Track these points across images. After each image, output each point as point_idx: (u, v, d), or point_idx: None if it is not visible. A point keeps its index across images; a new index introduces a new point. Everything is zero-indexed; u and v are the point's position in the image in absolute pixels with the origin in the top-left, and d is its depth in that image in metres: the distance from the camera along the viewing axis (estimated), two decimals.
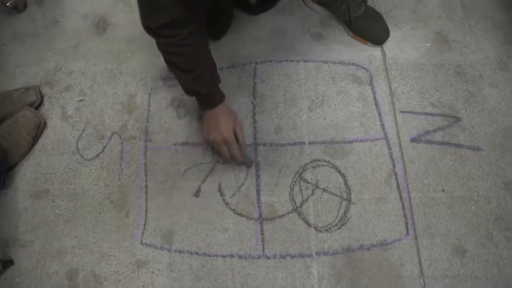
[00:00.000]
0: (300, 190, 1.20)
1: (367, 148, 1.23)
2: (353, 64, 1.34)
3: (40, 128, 1.33)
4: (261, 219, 1.19)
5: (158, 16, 0.95)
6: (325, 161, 1.23)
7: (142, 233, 1.20)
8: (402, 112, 1.27)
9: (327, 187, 1.20)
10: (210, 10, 1.18)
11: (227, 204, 1.21)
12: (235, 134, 1.17)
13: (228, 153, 1.18)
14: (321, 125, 1.27)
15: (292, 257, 1.14)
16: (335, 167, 1.22)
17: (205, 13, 1.09)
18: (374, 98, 1.30)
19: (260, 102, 1.31)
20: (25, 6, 1.54)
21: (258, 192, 1.21)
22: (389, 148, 1.23)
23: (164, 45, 1.06)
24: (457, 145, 1.22)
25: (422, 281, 1.10)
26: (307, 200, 1.19)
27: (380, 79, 1.32)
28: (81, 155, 1.31)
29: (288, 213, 1.19)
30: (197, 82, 1.11)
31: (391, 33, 1.36)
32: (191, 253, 1.17)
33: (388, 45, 1.36)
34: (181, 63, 1.07)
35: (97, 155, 1.30)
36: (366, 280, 1.11)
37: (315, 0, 1.39)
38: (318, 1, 1.39)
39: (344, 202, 1.19)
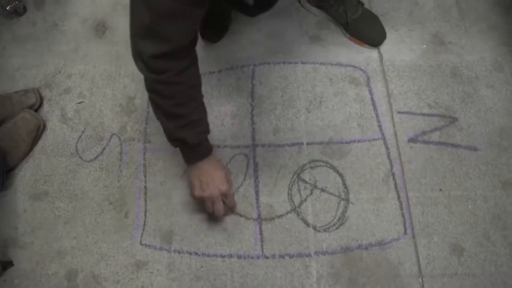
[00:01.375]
0: (299, 190, 1.21)
1: (364, 149, 1.24)
2: (350, 65, 1.36)
3: (39, 130, 1.34)
4: (260, 219, 1.19)
5: (155, 43, 0.85)
6: (323, 161, 1.24)
7: (142, 234, 1.21)
8: (399, 112, 1.28)
9: (325, 187, 1.21)
10: (209, 13, 1.19)
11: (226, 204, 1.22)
12: None
13: (223, 209, 1.11)
14: (319, 126, 1.28)
15: (291, 256, 1.15)
16: (333, 167, 1.23)
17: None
18: (372, 99, 1.31)
19: (258, 104, 1.32)
20: (24, 9, 1.55)
21: (256, 193, 1.22)
22: (387, 148, 1.24)
23: (154, 82, 0.93)
24: (454, 145, 1.23)
25: (420, 280, 1.10)
26: (305, 200, 1.20)
27: (377, 80, 1.33)
28: (80, 157, 1.32)
29: (287, 213, 1.19)
30: (188, 129, 1.00)
31: (387, 35, 1.37)
32: (190, 254, 1.17)
33: (385, 46, 1.37)
34: (171, 107, 0.96)
35: (97, 157, 1.31)
36: (364, 279, 1.11)
37: (313, 2, 1.41)
38: (315, 3, 1.40)
39: (342, 202, 1.19)
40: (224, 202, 1.10)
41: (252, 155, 1.26)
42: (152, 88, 0.96)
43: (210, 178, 1.06)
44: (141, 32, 0.86)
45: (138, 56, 0.89)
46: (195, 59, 0.99)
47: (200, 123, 1.04)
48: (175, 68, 0.91)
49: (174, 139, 1.05)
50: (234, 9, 1.31)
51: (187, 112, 0.99)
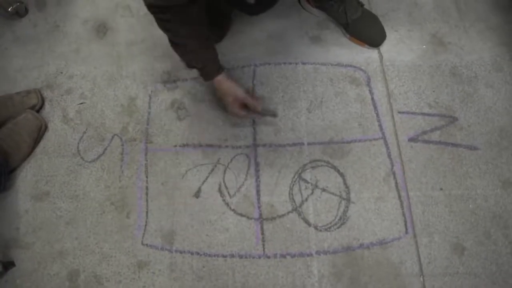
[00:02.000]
0: (300, 190, 1.22)
1: (365, 148, 1.25)
2: (351, 66, 1.36)
3: (41, 130, 1.34)
4: (261, 219, 1.20)
5: None
6: (324, 161, 1.24)
7: (143, 234, 1.21)
8: (399, 112, 1.29)
9: (327, 186, 1.21)
10: (209, 14, 1.19)
11: (227, 204, 1.22)
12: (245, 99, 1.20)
13: (247, 114, 1.23)
14: (319, 125, 1.28)
15: (293, 256, 1.15)
16: (334, 167, 1.24)
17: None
18: (372, 99, 1.31)
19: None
20: (26, 11, 1.55)
21: (258, 193, 1.22)
22: (387, 148, 1.25)
23: (157, 20, 1.09)
24: (454, 145, 1.24)
25: (421, 279, 1.11)
26: (306, 199, 1.20)
27: (378, 81, 1.33)
28: (82, 157, 1.32)
29: (288, 213, 1.20)
30: (194, 55, 1.15)
31: (387, 35, 1.38)
32: (192, 254, 1.18)
33: (385, 47, 1.38)
34: (175, 37, 1.11)
35: (98, 157, 1.31)
36: (366, 278, 1.12)
37: (313, 3, 1.42)
38: (316, 4, 1.41)
39: (343, 202, 1.20)
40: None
41: (253, 155, 1.26)
42: (161, 24, 1.10)
43: (224, 100, 1.22)
44: None
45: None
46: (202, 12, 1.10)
47: (204, 47, 1.16)
48: (172, 8, 1.02)
49: (186, 64, 1.23)
50: (235, 9, 1.32)
51: (190, 41, 1.11)
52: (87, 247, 1.21)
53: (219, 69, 1.20)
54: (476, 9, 1.41)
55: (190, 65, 1.22)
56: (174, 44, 1.14)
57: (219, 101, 1.29)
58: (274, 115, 1.28)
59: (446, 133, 1.25)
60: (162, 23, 1.09)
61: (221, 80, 1.20)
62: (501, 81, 1.31)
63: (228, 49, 1.41)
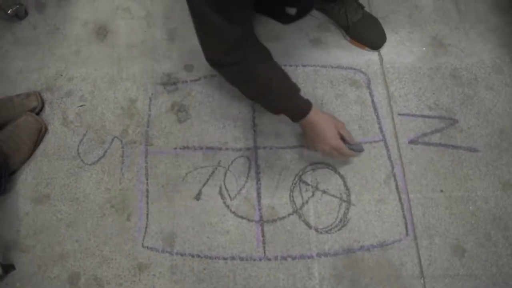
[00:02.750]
0: (300, 192, 1.22)
1: (366, 150, 1.25)
2: (351, 68, 1.36)
3: (41, 133, 1.34)
4: (262, 221, 1.20)
5: (218, 42, 0.97)
6: (325, 163, 1.24)
7: (144, 237, 1.21)
8: (399, 114, 1.29)
9: (327, 189, 1.21)
10: None
11: (228, 206, 1.22)
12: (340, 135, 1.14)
13: (339, 156, 1.14)
14: None
15: (293, 258, 1.15)
16: (334, 169, 1.24)
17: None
18: (372, 101, 1.31)
19: (260, 107, 1.32)
20: (26, 13, 1.55)
21: (258, 195, 1.22)
22: (388, 150, 1.25)
23: (235, 73, 1.06)
24: (454, 147, 1.24)
25: (422, 280, 1.11)
26: (307, 202, 1.21)
27: (378, 83, 1.34)
28: (82, 160, 1.32)
29: (289, 215, 1.20)
30: (279, 98, 1.09)
31: (388, 37, 1.38)
32: (193, 256, 1.18)
33: (385, 49, 1.38)
34: (258, 86, 1.07)
35: (98, 160, 1.31)
36: (366, 281, 1.12)
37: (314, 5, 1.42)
38: (316, 6, 1.41)
39: (344, 204, 1.20)
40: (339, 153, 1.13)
41: (254, 158, 1.26)
42: (234, 79, 1.08)
43: (319, 136, 1.11)
44: (204, 36, 0.99)
45: (213, 61, 1.02)
46: (255, 39, 1.07)
47: (288, 86, 1.10)
48: (245, 56, 1.00)
49: (275, 111, 1.15)
50: (270, 17, 1.31)
51: (275, 85, 1.07)
52: (87, 249, 1.21)
53: (308, 101, 1.11)
54: (476, 10, 1.42)
55: (279, 110, 1.13)
56: (260, 94, 1.09)
57: (309, 141, 1.17)
58: (361, 150, 1.20)
59: (446, 135, 1.26)
60: (241, 75, 1.05)
61: (316, 111, 1.11)
62: (501, 83, 1.31)
63: None
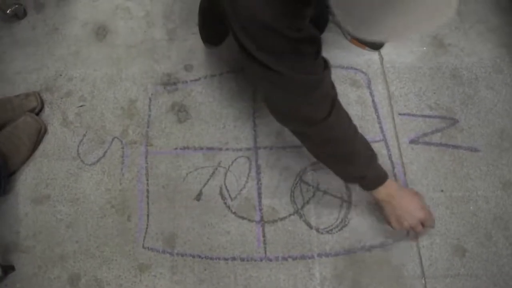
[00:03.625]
0: (301, 192, 1.21)
1: None
2: (351, 68, 1.36)
3: (40, 133, 1.33)
4: (262, 222, 1.19)
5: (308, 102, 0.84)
6: None
7: (144, 237, 1.21)
8: (400, 114, 1.29)
9: (328, 189, 1.21)
10: (209, 17, 1.19)
11: (228, 207, 1.22)
12: None
13: (422, 232, 1.07)
14: None
15: (294, 259, 1.15)
16: None
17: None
18: (373, 101, 1.31)
19: (260, 106, 1.33)
20: (25, 13, 1.54)
21: (259, 195, 1.22)
22: (388, 150, 1.25)
23: (318, 132, 0.89)
24: (455, 146, 1.24)
25: (423, 280, 1.11)
26: (308, 202, 1.20)
27: (378, 83, 1.34)
28: (82, 160, 1.31)
29: (290, 215, 1.20)
30: (361, 163, 0.97)
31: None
32: (193, 257, 1.17)
33: (386, 49, 1.38)
34: (339, 148, 0.93)
35: (98, 160, 1.31)
36: (367, 281, 1.12)
37: None
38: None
39: (345, 204, 1.20)
40: (423, 224, 1.04)
41: (254, 158, 1.26)
42: (318, 140, 0.93)
43: (404, 209, 1.02)
44: (277, 96, 0.86)
45: (292, 119, 0.89)
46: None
47: (368, 148, 1.00)
48: (333, 106, 0.88)
49: (353, 178, 1.02)
50: None
51: (355, 147, 0.95)
52: (87, 250, 1.21)
53: (384, 170, 1.02)
54: (476, 10, 1.42)
55: (356, 176, 1.00)
56: (340, 157, 0.95)
57: (391, 215, 1.04)
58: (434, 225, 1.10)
59: (447, 135, 1.26)
60: (330, 132, 0.89)
61: (394, 184, 1.02)
62: (502, 82, 1.31)
63: (229, 52, 1.40)
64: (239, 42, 0.81)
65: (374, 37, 0.60)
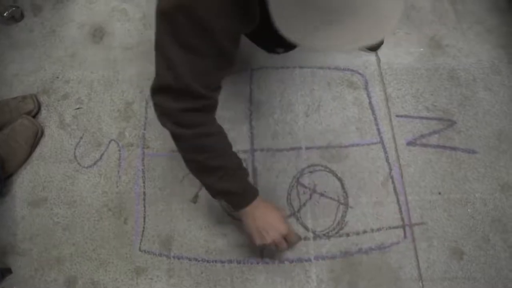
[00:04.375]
0: (298, 194, 1.21)
1: (363, 152, 1.24)
2: (348, 69, 1.36)
3: (37, 136, 1.33)
4: None
5: (185, 100, 0.82)
6: (322, 165, 1.24)
7: (141, 240, 1.20)
8: (397, 116, 1.29)
9: (325, 191, 1.21)
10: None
11: (225, 209, 1.21)
12: None
13: (286, 244, 1.02)
14: (317, 130, 1.28)
15: (291, 261, 1.15)
16: (332, 172, 1.23)
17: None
18: (370, 102, 1.31)
19: (256, 108, 1.32)
20: (22, 16, 1.54)
21: None
22: (385, 152, 1.24)
23: (189, 138, 0.88)
24: (452, 148, 1.24)
25: (420, 283, 1.10)
26: (304, 204, 1.20)
27: (375, 84, 1.33)
28: (78, 163, 1.31)
29: (286, 218, 1.19)
30: (229, 178, 0.95)
31: (385, 38, 1.37)
32: (190, 259, 1.17)
33: (383, 50, 1.37)
34: (207, 160, 0.91)
35: (95, 163, 1.31)
36: (364, 284, 1.11)
37: None
38: None
39: (341, 206, 1.19)
40: (286, 240, 1.01)
41: (250, 160, 1.26)
42: (186, 146, 0.91)
43: (267, 223, 0.98)
44: (166, 91, 0.82)
45: (165, 115, 0.86)
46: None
47: (239, 168, 0.99)
48: (209, 119, 0.89)
49: (218, 193, 0.98)
50: (257, 45, 1.24)
51: (225, 162, 0.94)
52: (84, 253, 1.21)
53: (255, 188, 1.02)
54: (474, 11, 1.41)
55: (225, 191, 0.97)
56: (208, 170, 0.93)
57: (253, 231, 1.00)
58: (299, 239, 1.07)
59: (445, 137, 1.25)
60: (201, 142, 0.89)
61: (260, 200, 1.00)
62: (500, 84, 1.30)
63: None
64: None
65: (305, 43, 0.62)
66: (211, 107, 0.89)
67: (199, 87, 0.81)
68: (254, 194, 1.00)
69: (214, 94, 0.88)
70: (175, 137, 0.90)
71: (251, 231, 1.00)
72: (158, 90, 0.84)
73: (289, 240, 1.01)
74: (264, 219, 0.99)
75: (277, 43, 1.12)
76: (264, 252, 1.14)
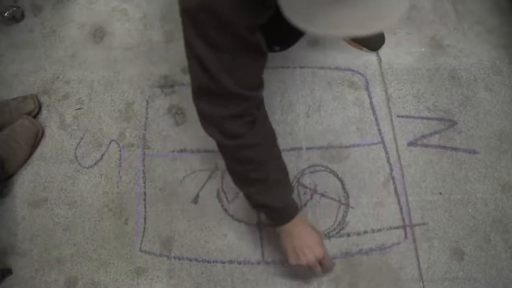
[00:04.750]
0: (298, 195, 1.21)
1: (364, 153, 1.24)
2: (349, 69, 1.36)
3: (38, 136, 1.33)
4: (260, 225, 1.19)
5: (226, 105, 0.80)
6: (323, 166, 1.24)
7: (141, 240, 1.20)
8: (398, 116, 1.28)
9: (325, 192, 1.21)
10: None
11: (225, 210, 1.21)
12: None
13: (321, 269, 0.99)
14: (318, 130, 1.28)
15: None
16: (332, 172, 1.23)
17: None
18: (371, 103, 1.31)
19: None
20: (22, 16, 1.54)
21: None
22: (386, 153, 1.24)
23: (233, 148, 0.86)
24: (453, 148, 1.23)
25: (421, 284, 1.10)
26: (305, 205, 1.20)
27: (376, 84, 1.33)
28: (79, 163, 1.31)
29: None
30: (270, 193, 0.92)
31: (386, 38, 1.37)
32: (191, 260, 1.17)
33: (383, 50, 1.37)
34: (251, 172, 0.88)
35: (96, 163, 1.31)
36: (365, 284, 1.11)
37: None
38: None
39: (342, 207, 1.19)
40: (321, 264, 0.99)
41: None
42: (230, 155, 0.90)
43: (305, 244, 0.96)
44: (206, 93, 0.80)
45: (209, 122, 0.84)
46: (264, 109, 0.91)
47: (283, 183, 0.97)
48: (252, 129, 0.85)
49: (257, 205, 0.96)
50: None
51: (268, 175, 0.90)
52: (85, 253, 1.21)
53: (297, 205, 0.98)
54: (475, 11, 1.41)
55: (263, 205, 0.93)
56: (249, 180, 0.90)
57: (289, 249, 0.98)
58: (333, 265, 1.07)
59: (445, 137, 1.25)
60: (246, 152, 0.86)
61: (299, 219, 0.97)
62: (501, 84, 1.30)
63: None
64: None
65: (314, 29, 0.59)
66: (254, 111, 0.85)
67: (237, 87, 0.78)
68: (293, 212, 0.96)
69: (254, 93, 0.84)
70: (219, 147, 0.89)
71: (287, 249, 0.98)
72: (197, 93, 0.82)
73: (324, 265, 0.99)
74: (302, 240, 0.96)
75: (273, 40, 1.11)
76: (300, 271, 1.10)
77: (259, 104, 0.88)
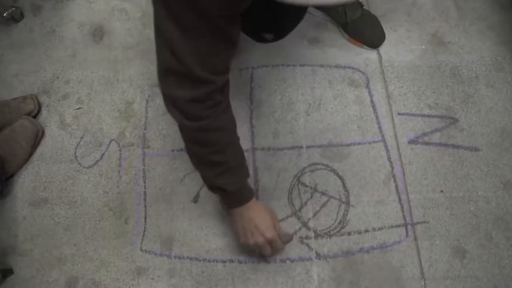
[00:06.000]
0: (299, 194, 1.21)
1: (365, 151, 1.24)
2: (349, 67, 1.35)
3: (38, 136, 1.33)
4: None
5: (190, 87, 0.81)
6: (323, 164, 1.23)
7: (142, 240, 1.20)
8: (399, 114, 1.28)
9: (326, 190, 1.20)
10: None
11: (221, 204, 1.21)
12: None
13: (270, 251, 1.04)
14: (318, 128, 1.27)
15: (292, 261, 1.14)
16: (333, 170, 1.22)
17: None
18: (371, 100, 1.30)
19: (257, 107, 1.32)
20: (22, 16, 1.54)
21: (256, 197, 1.21)
22: (387, 151, 1.24)
23: (193, 130, 0.89)
24: (454, 146, 1.23)
25: (422, 282, 1.10)
26: (306, 203, 1.19)
27: (377, 82, 1.32)
28: (79, 163, 1.31)
29: (287, 217, 1.19)
30: (227, 176, 0.95)
31: (386, 35, 1.36)
32: (191, 259, 1.17)
33: (384, 47, 1.37)
34: (209, 155, 0.92)
35: (96, 163, 1.30)
36: (366, 283, 1.10)
37: None
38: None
39: (343, 205, 1.19)
40: (271, 246, 1.03)
41: (251, 159, 1.25)
42: (190, 137, 0.92)
43: (254, 225, 0.99)
44: (170, 74, 0.82)
45: (172, 103, 0.85)
46: (228, 95, 0.93)
47: (240, 168, 0.99)
48: (215, 111, 0.87)
49: (213, 187, 0.99)
50: (247, 35, 1.23)
51: (226, 159, 0.94)
52: (85, 253, 1.21)
53: (252, 190, 1.02)
54: (476, 8, 1.40)
55: (219, 186, 0.96)
56: (207, 163, 0.94)
57: (240, 231, 1.04)
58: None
59: (447, 135, 1.24)
60: (205, 135, 0.89)
61: (253, 203, 1.01)
62: (502, 81, 1.29)
63: None
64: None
65: None
66: (217, 96, 0.87)
67: (202, 70, 0.79)
68: (247, 197, 1.00)
69: (219, 78, 0.85)
70: (180, 127, 0.91)
71: (237, 228, 1.04)
72: (163, 74, 0.84)
73: (274, 247, 1.03)
74: (252, 221, 1.00)
75: (265, 26, 1.11)
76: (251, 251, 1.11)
77: (224, 87, 0.89)
